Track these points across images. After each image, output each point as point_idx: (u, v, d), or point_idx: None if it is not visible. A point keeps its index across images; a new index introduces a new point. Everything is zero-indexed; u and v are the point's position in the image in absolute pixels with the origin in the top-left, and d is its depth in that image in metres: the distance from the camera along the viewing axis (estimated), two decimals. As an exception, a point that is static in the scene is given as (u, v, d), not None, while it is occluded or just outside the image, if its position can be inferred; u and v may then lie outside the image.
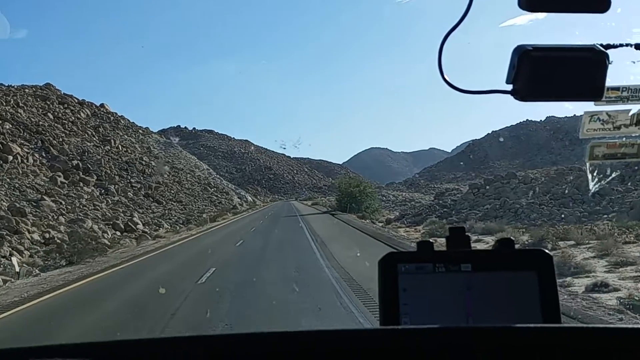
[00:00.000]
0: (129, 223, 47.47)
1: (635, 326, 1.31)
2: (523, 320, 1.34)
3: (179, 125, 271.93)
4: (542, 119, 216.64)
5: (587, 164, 2.17)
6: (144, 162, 75.65)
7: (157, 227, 51.64)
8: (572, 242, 22.89)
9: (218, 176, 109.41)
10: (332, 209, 64.11)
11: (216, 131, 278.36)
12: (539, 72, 1.22)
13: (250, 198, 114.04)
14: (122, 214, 52.60)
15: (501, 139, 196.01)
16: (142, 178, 68.78)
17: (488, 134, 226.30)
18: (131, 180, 66.32)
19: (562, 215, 38.88)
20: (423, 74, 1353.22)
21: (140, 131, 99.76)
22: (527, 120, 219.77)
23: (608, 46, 1.30)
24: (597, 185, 2.44)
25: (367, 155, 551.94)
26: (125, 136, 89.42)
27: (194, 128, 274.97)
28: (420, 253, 1.44)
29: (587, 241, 22.44)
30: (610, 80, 1.34)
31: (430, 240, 1.49)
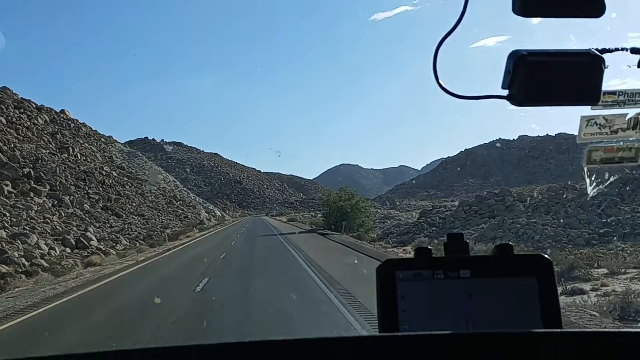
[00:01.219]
0: (82, 239, 42.13)
1: (636, 330, 1.21)
2: (523, 326, 1.33)
3: (147, 137, 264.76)
4: (515, 138, 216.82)
5: (585, 168, 2.15)
6: (104, 172, 70.12)
7: (114, 244, 46.33)
8: (605, 271, 19.31)
9: (185, 189, 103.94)
10: (317, 226, 55.30)
11: (185, 143, 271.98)
12: (535, 77, 1.22)
13: (219, 213, 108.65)
14: (75, 228, 47.16)
15: (487, 151, 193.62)
16: (101, 189, 63.27)
17: (461, 151, 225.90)
18: (89, 191, 60.80)
19: (569, 237, 34.97)
20: (396, 91, 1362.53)
21: (102, 139, 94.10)
22: (500, 138, 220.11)
23: (604, 50, 1.30)
24: (595, 190, 2.44)
25: (338, 171, 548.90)
26: (86, 144, 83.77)
27: (162, 140, 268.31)
28: (419, 260, 1.42)
29: (623, 269, 18.95)
30: (607, 85, 1.34)
31: (429, 247, 1.46)
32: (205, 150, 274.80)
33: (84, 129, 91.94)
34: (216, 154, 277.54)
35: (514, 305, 1.38)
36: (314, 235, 43.20)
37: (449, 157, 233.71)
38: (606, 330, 1.44)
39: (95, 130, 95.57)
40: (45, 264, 26.45)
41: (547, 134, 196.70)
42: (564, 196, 43.63)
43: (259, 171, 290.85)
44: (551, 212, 40.45)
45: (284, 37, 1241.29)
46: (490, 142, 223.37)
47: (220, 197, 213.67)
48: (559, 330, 1.30)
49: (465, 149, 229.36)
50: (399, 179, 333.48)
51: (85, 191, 60.34)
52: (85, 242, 41.61)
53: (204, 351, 1.17)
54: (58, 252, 38.18)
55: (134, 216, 60.99)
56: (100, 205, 59.13)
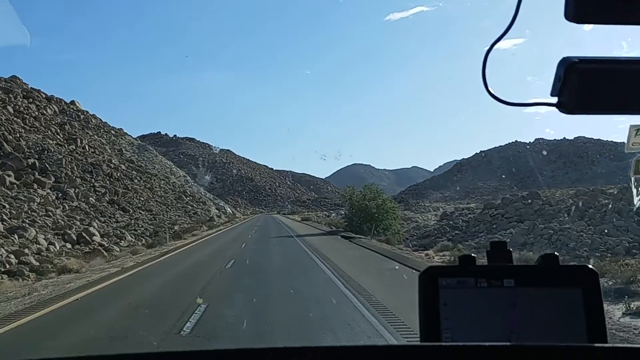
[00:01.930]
0: (84, 234, 39.84)
1: None
2: (567, 338, 1.33)
3: (159, 132, 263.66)
4: (531, 141, 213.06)
5: (632, 179, 2.14)
6: (112, 165, 67.96)
7: (118, 240, 44.04)
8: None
9: (195, 184, 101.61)
10: (336, 227, 49.33)
11: (197, 139, 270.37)
12: (587, 85, 1.18)
13: (229, 209, 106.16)
14: (78, 223, 44.96)
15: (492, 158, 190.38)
16: (108, 182, 61.08)
17: (476, 153, 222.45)
18: (95, 184, 58.62)
19: (607, 245, 32.21)
20: (409, 91, 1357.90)
21: (112, 132, 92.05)
22: (515, 141, 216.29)
23: None
24: None
25: (350, 171, 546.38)
26: (95, 136, 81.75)
27: (175, 135, 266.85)
28: (462, 267, 1.41)
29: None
30: None
31: (472, 255, 1.44)
32: (218, 146, 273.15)
33: (94, 121, 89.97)
34: (228, 150, 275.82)
35: (558, 316, 1.35)
36: (336, 238, 37.46)
37: (463, 158, 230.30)
38: None
39: (106, 122, 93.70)
40: (35, 263, 24.03)
41: (565, 137, 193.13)
42: (598, 201, 40.80)
43: (271, 169, 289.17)
44: (585, 217, 37.63)
45: (298, 36, 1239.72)
46: (506, 144, 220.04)
47: (231, 193, 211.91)
48: (606, 345, 1.22)
49: (481, 151, 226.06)
50: (411, 180, 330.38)
51: (91, 184, 58.18)
52: (87, 238, 39.32)
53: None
54: (58, 248, 35.92)
55: (141, 211, 58.75)
56: (107, 199, 56.93)
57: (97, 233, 42.02)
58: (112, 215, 53.14)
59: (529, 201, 42.91)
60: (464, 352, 1.12)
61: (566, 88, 1.17)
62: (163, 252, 29.17)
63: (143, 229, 51.29)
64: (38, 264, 23.59)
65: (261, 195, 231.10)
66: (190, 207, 74.33)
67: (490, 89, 1.24)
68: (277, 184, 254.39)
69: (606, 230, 34.10)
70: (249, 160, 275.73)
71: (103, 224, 49.03)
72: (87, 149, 68.76)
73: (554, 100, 1.20)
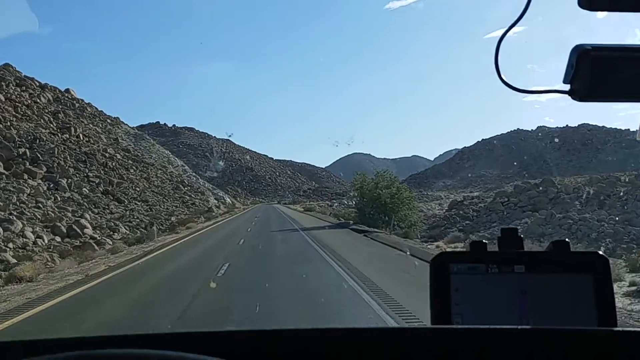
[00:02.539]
0: (74, 227, 37.78)
1: None
2: (577, 323, 1.34)
3: (158, 122, 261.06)
4: (533, 129, 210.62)
5: None
6: (107, 154, 65.77)
7: (112, 232, 42.00)
8: None
9: (194, 174, 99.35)
10: (344, 219, 43.96)
11: (197, 129, 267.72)
12: (599, 72, 1.18)
13: (229, 200, 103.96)
14: (69, 215, 42.87)
15: (495, 145, 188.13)
16: (102, 172, 58.94)
17: (478, 141, 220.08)
18: (89, 174, 56.46)
19: (631, 235, 30.18)
20: (409, 80, 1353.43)
21: (108, 121, 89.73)
22: (517, 129, 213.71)
23: None
24: None
25: (350, 160, 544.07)
26: (91, 125, 79.51)
27: (174, 125, 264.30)
28: (473, 253, 1.42)
29: None
30: None
31: (484, 241, 1.46)
32: (216, 136, 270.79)
33: (89, 110, 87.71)
34: (228, 139, 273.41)
35: (569, 302, 1.37)
36: (348, 232, 31.66)
37: (465, 147, 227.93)
38: None
39: (102, 111, 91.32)
40: (11, 260, 21.90)
41: (567, 125, 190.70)
42: (616, 189, 38.71)
43: (271, 158, 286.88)
44: (605, 206, 35.55)
45: (298, 25, 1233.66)
46: (508, 132, 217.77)
47: (231, 183, 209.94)
48: (617, 329, 1.22)
49: (483, 139, 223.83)
50: (412, 169, 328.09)
51: (85, 174, 56.04)
52: (78, 230, 37.28)
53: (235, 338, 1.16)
54: (46, 242, 33.89)
55: (137, 202, 56.63)
56: (101, 189, 54.81)
57: (89, 225, 39.96)
58: (107, 207, 51.04)
59: (544, 189, 40.86)
60: (474, 335, 1.13)
61: (579, 76, 1.16)
62: (147, 250, 23.74)
63: (138, 220, 49.23)
64: (16, 261, 21.38)
65: (261, 185, 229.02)
66: (188, 198, 72.10)
67: (503, 76, 1.22)
68: (277, 173, 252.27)
69: (627, 221, 32.12)
70: (248, 149, 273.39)
71: (96, 216, 46.97)
72: (82, 138, 66.60)
73: (567, 87, 1.19)
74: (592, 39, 1.22)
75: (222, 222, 50.71)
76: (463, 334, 1.16)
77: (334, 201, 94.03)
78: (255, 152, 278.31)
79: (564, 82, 1.20)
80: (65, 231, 36.73)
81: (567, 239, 1.46)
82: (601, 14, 1.29)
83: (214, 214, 64.34)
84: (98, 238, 37.45)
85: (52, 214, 41.23)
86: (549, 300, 1.37)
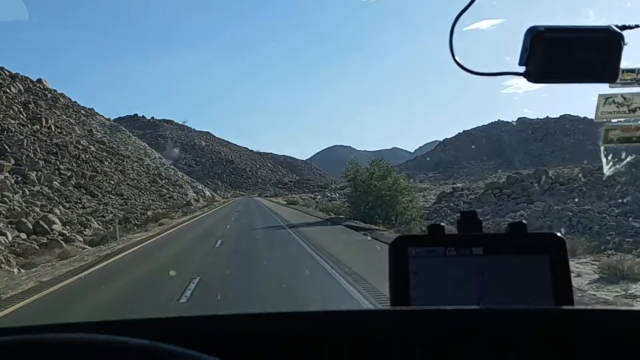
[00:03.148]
0: (42, 222, 35.28)
1: None
2: (535, 304, 1.35)
3: (136, 114, 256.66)
4: (514, 120, 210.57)
5: (602, 148, 2.08)
6: (80, 146, 62.99)
7: (83, 228, 39.57)
8: None
9: (172, 167, 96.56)
10: (335, 214, 39.35)
11: (176, 121, 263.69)
12: (553, 53, 1.21)
13: (208, 193, 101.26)
14: (37, 210, 40.33)
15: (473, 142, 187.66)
16: (75, 164, 56.27)
17: (459, 133, 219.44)
18: (60, 166, 53.79)
19: (635, 229, 28.51)
20: (389, 73, 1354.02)
21: (82, 112, 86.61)
22: (499, 120, 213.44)
23: (623, 27, 1.26)
24: (611, 169, 2.32)
25: (331, 152, 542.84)
26: (64, 116, 76.57)
27: (152, 117, 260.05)
28: (431, 236, 1.43)
29: None
30: (626, 62, 1.33)
31: (442, 224, 1.46)
32: (196, 129, 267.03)
33: (62, 100, 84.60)
34: (208, 132, 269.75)
35: (526, 283, 1.37)
36: (344, 230, 26.04)
37: (446, 138, 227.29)
38: (618, 308, 1.35)
39: (75, 101, 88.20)
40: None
41: (547, 116, 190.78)
42: (615, 180, 37.07)
43: (252, 151, 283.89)
44: (604, 196, 33.90)
45: (275, 13, 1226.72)
46: (489, 123, 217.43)
47: (211, 176, 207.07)
48: (569, 307, 1.31)
49: (464, 131, 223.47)
50: (392, 161, 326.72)
51: (56, 167, 53.38)
52: (46, 227, 34.80)
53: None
54: (10, 239, 31.41)
55: (111, 195, 54.13)
56: (73, 182, 52.21)
57: (58, 221, 37.49)
58: (79, 201, 48.53)
59: (537, 180, 39.15)
60: (431, 315, 1.14)
61: (533, 57, 1.18)
62: (102, 256, 18.75)
63: (112, 215, 46.78)
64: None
65: (241, 178, 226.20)
66: (165, 191, 69.51)
67: (457, 58, 1.23)
68: (257, 166, 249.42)
69: (630, 213, 30.46)
70: (228, 142, 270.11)
71: (67, 211, 44.48)
72: (53, 129, 63.75)
73: (522, 69, 1.20)
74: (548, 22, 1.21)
75: (200, 217, 47.18)
76: (419, 315, 1.16)
77: (317, 194, 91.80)
78: (235, 144, 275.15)
79: (519, 64, 1.20)
80: (31, 227, 34.27)
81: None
82: None
83: (192, 207, 61.91)
84: (67, 234, 35.04)
85: (19, 209, 38.68)
86: (506, 282, 1.37)
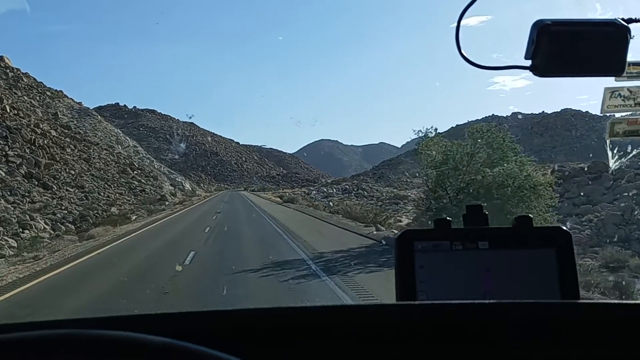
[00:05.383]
0: (-39, 222, 26.96)
1: None
2: (541, 298, 1.36)
3: (118, 103, 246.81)
4: (508, 115, 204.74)
5: (607, 142, 2.05)
6: (39, 131, 54.30)
7: (21, 229, 31.18)
8: None
9: (148, 156, 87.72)
10: (372, 223, 26.68)
11: (159, 111, 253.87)
12: (559, 47, 1.22)
13: (188, 186, 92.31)
14: (-36, 205, 32.02)
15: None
16: (28, 151, 47.66)
17: (452, 127, 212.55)
18: (9, 152, 45.17)
19: None
20: (377, 67, 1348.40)
21: (48, 93, 77.67)
22: (492, 114, 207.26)
23: (630, 20, 1.27)
24: (617, 163, 2.26)
25: (318, 146, 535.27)
26: (25, 97, 67.87)
27: (135, 107, 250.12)
28: (437, 230, 1.43)
29: None
30: (632, 56, 1.32)
31: (448, 218, 1.46)
32: (180, 119, 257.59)
33: (25, 80, 75.68)
34: (192, 123, 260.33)
35: (533, 277, 1.38)
36: None
37: (438, 132, 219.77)
38: (624, 302, 1.33)
39: (41, 82, 79.18)
40: None
41: (543, 111, 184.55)
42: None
43: (238, 143, 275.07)
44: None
45: (267, 7, 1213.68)
46: (482, 118, 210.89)
47: (194, 168, 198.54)
48: (579, 301, 1.29)
49: (457, 125, 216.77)
50: (379, 156, 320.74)
51: (3, 152, 44.73)
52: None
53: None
54: None
55: (69, 188, 45.63)
56: (23, 171, 43.64)
57: (-13, 220, 29.23)
58: (27, 194, 40.05)
59: (596, 176, 31.32)
60: (438, 310, 1.14)
61: (539, 51, 1.19)
62: None
63: (66, 212, 38.37)
64: None
65: (227, 171, 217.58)
66: (136, 183, 60.83)
67: (463, 52, 1.23)
68: (243, 158, 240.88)
69: None
70: (213, 133, 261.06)
71: (9, 206, 36.03)
72: (8, 111, 54.89)
73: (528, 63, 1.21)
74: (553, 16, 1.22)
75: (165, 221, 35.07)
76: (426, 309, 1.16)
77: (311, 189, 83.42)
78: (220, 136, 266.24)
79: (525, 57, 1.20)
80: (-56, 229, 25.99)
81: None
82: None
83: (167, 203, 53.43)
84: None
85: (-62, 204, 30.35)
86: (512, 276, 1.37)
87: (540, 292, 1.36)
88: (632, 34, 1.24)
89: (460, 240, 1.39)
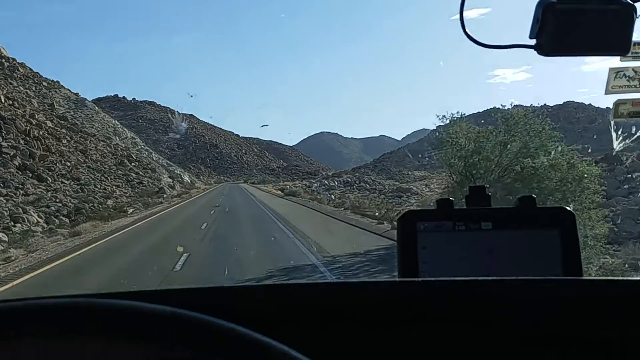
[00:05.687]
0: (-52, 215, 25.87)
1: None
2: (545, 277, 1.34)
3: (117, 95, 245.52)
4: (509, 106, 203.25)
5: (612, 122, 2.55)
6: (34, 121, 53.15)
7: (13, 223, 30.11)
8: None
9: (146, 148, 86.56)
10: (387, 221, 24.90)
11: (158, 103, 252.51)
12: (564, 25, 1.20)
13: (187, 178, 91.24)
14: (-45, 197, 30.93)
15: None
16: (22, 142, 46.54)
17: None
18: (2, 143, 44.04)
19: None
20: (377, 59, 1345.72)
21: (44, 84, 76.46)
22: (494, 107, 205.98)
23: None
24: (621, 145, 3.25)
25: (318, 139, 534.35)
26: (21, 87, 66.76)
27: (134, 98, 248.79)
28: (440, 211, 1.41)
29: None
30: (638, 35, 1.31)
31: (451, 198, 1.44)
32: (180, 111, 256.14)
33: (21, 70, 74.48)
34: (192, 115, 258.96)
35: (536, 257, 1.37)
36: None
37: (439, 125, 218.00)
38: (626, 278, 1.25)
39: (37, 72, 77.92)
40: None
41: (545, 104, 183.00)
42: None
43: (237, 135, 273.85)
44: None
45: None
46: (484, 110, 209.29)
47: (194, 161, 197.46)
48: (580, 278, 1.31)
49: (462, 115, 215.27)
50: (379, 148, 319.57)
51: (-4, 143, 43.64)
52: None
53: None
54: None
55: (64, 180, 44.56)
56: (17, 163, 42.56)
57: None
58: (21, 186, 38.97)
59: (611, 166, 30.23)
60: (440, 287, 1.14)
61: (544, 30, 1.18)
62: None
63: (61, 205, 37.26)
64: None
65: (226, 163, 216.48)
66: (134, 175, 59.74)
67: (468, 31, 1.22)
68: (243, 151, 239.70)
69: None
70: (213, 126, 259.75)
71: (2, 198, 34.96)
72: (3, 101, 53.74)
73: (532, 42, 1.20)
74: None
75: (159, 215, 34.09)
76: (428, 286, 1.15)
77: (312, 181, 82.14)
78: (220, 128, 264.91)
79: (530, 37, 1.18)
80: None
81: (533, 195, 1.41)
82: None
83: (165, 195, 52.38)
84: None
85: None
86: (516, 256, 1.36)
87: (543, 271, 1.34)
88: (639, 13, 1.20)
89: (463, 221, 1.37)
